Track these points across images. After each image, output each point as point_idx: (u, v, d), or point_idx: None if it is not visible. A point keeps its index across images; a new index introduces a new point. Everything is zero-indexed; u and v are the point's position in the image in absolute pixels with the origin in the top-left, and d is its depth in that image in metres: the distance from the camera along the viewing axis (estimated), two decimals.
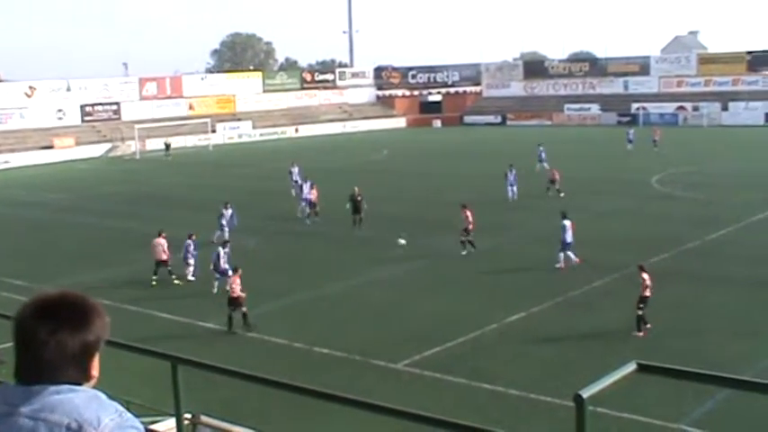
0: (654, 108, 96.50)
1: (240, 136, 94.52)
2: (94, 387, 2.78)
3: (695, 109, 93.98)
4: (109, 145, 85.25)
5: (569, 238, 29.36)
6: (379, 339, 22.12)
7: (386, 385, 18.56)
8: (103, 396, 2.73)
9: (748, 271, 27.69)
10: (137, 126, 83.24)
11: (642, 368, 3.88)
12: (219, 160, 73.16)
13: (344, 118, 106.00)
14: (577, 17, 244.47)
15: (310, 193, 40.05)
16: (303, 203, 40.50)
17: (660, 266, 26.51)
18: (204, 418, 6.19)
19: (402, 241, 32.26)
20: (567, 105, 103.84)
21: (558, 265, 29.12)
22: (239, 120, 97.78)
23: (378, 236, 35.27)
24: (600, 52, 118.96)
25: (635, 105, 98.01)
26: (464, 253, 31.44)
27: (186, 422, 5.83)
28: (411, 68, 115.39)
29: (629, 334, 21.60)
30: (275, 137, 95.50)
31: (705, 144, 71.32)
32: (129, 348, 5.30)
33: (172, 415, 5.74)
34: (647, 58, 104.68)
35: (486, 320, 23.14)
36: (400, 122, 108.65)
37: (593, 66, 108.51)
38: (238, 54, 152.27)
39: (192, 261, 29.28)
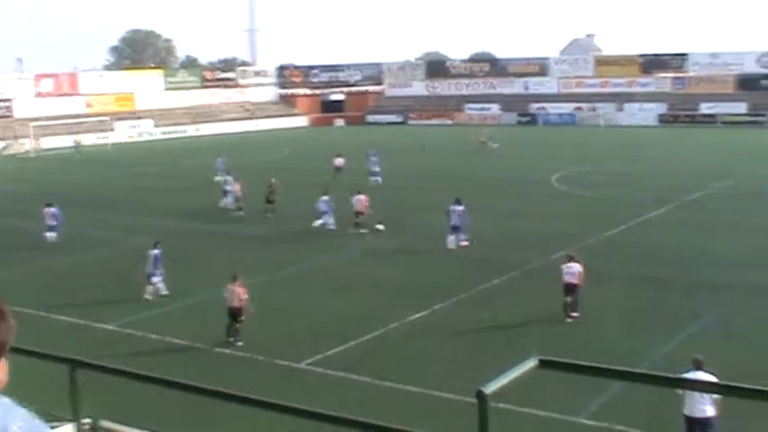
0: (553, 108, 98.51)
1: (141, 134, 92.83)
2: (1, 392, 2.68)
3: (592, 109, 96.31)
4: (1, 143, 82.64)
5: (455, 221, 31.46)
6: (281, 339, 21.99)
7: (289, 385, 18.46)
8: (10, 401, 2.64)
9: (641, 268, 28.49)
10: (32, 124, 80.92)
11: (544, 364, 3.94)
12: (120, 159, 71.67)
13: (246, 116, 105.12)
14: (478, 18, 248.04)
15: (234, 186, 41.41)
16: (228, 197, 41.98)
17: (559, 263, 27.02)
18: (104, 423, 6.05)
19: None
20: (468, 105, 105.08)
21: (449, 246, 31.33)
22: (139, 118, 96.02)
23: (280, 234, 35.10)
24: (500, 53, 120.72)
25: (535, 105, 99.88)
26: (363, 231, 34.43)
27: (86, 427, 5.69)
28: (313, 67, 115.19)
29: (528, 329, 22.04)
30: (177, 135, 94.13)
31: (602, 144, 73.11)
32: (24, 353, 5.14)
33: (70, 420, 5.59)
34: (547, 59, 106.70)
35: (390, 318, 23.23)
36: (303, 121, 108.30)
37: (493, 66, 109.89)
38: (138, 51, 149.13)
39: (158, 275, 25.96)
